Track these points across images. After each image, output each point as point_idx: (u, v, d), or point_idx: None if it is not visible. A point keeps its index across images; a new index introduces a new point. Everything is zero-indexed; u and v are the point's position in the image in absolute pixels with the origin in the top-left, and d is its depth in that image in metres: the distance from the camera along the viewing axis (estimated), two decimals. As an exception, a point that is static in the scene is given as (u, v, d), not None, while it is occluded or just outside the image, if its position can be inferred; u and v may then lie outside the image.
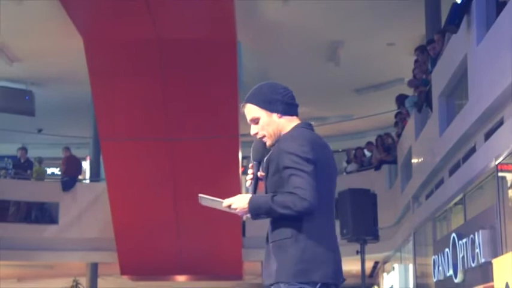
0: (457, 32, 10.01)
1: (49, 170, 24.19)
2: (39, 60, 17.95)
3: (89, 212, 19.07)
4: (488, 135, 9.09)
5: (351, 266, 14.13)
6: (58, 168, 23.27)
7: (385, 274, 18.79)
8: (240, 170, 17.86)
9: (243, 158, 19.23)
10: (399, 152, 15.93)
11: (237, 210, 3.68)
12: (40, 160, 20.82)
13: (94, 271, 19.60)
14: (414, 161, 13.88)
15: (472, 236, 9.12)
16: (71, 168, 19.91)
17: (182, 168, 16.65)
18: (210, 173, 16.32)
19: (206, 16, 14.30)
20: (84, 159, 22.69)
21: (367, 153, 19.31)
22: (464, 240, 9.53)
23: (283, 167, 3.58)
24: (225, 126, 16.34)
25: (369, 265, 19.34)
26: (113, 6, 13.95)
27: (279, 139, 3.71)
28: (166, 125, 16.06)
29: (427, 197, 13.08)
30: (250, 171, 3.79)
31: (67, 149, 20.16)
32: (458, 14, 9.70)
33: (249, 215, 3.71)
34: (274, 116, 3.73)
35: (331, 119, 21.78)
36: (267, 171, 3.74)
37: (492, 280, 8.25)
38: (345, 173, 18.84)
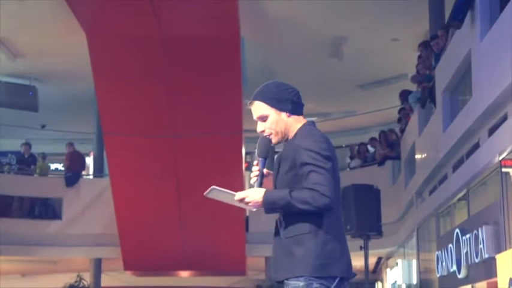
0: (461, 28, 10.00)
1: (52, 166, 24.24)
2: (43, 56, 17.97)
3: (93, 207, 19.10)
4: (492, 131, 9.08)
5: (354, 261, 13.96)
6: (61, 164, 23.30)
7: (388, 270, 18.79)
8: (244, 166, 17.86)
9: (246, 154, 19.23)
10: (403, 147, 15.93)
11: (250, 204, 3.68)
12: (44, 156, 20.85)
13: (97, 267, 19.64)
14: (418, 156, 13.87)
15: (475, 231, 9.11)
16: (75, 164, 19.93)
17: (185, 164, 16.65)
18: (213, 169, 16.32)
19: (209, 12, 14.28)
20: (88, 154, 22.72)
21: (370, 149, 19.30)
22: (467, 236, 9.53)
23: (301, 164, 3.62)
24: (229, 122, 16.34)
25: (372, 261, 19.34)
26: (116, 2, 13.94)
27: (294, 136, 3.75)
28: (169, 121, 16.06)
29: (431, 192, 13.08)
30: (255, 168, 3.80)
31: (70, 144, 20.18)
32: (462, 10, 9.68)
33: (254, 210, 3.73)
34: (283, 114, 3.77)
35: (334, 115, 21.78)
36: (277, 168, 3.78)
37: (496, 276, 8.25)
38: (348, 169, 18.83)
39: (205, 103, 15.91)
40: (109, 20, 14.63)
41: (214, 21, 14.55)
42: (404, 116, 15.85)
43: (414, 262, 14.75)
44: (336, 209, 3.65)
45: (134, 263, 18.87)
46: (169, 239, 17.95)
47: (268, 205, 3.64)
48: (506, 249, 8.16)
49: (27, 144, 20.86)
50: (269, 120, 3.77)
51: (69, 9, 14.06)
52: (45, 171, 20.94)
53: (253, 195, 3.67)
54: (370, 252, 12.25)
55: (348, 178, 13.97)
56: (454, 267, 10.17)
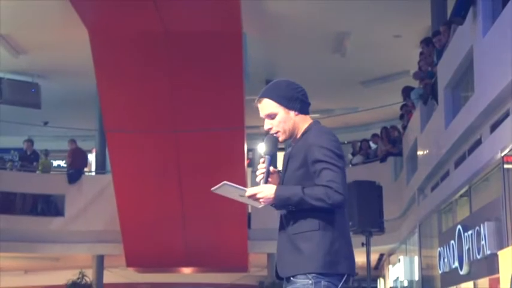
0: (463, 24, 9.98)
1: (55, 163, 24.24)
2: (45, 52, 17.97)
3: (95, 204, 19.11)
4: (494, 127, 9.07)
5: (356, 258, 14.05)
6: (64, 161, 23.33)
7: (390, 266, 18.80)
8: (246, 162, 17.87)
9: (248, 150, 19.23)
10: (405, 144, 15.92)
11: (262, 200, 3.67)
12: (46, 153, 20.86)
13: (100, 263, 19.66)
14: (420, 153, 13.87)
15: (477, 228, 9.11)
16: (77, 161, 19.95)
17: (187, 160, 16.66)
18: (216, 165, 16.32)
19: (212, 8, 14.28)
20: (90, 151, 22.73)
21: (372, 145, 19.30)
22: (469, 232, 9.53)
23: (314, 161, 3.63)
24: (231, 118, 16.33)
25: (374, 257, 19.36)
26: (119, -2, 13.97)
27: (305, 134, 3.75)
28: (171, 117, 16.07)
29: (433, 189, 13.08)
30: (262, 165, 3.78)
31: (73, 141, 20.19)
32: (464, 6, 9.67)
33: (260, 206, 3.73)
34: (292, 113, 3.78)
35: (336, 111, 21.76)
36: (285, 165, 3.78)
37: (498, 272, 8.25)
38: (350, 165, 18.83)
39: (207, 99, 15.92)
40: (111, 17, 14.63)
41: (216, 17, 14.55)
42: (406, 112, 15.84)
43: (416, 259, 14.75)
44: (343, 207, 3.68)
45: (136, 260, 18.90)
46: (171, 235, 17.97)
47: (280, 201, 3.63)
48: (508, 246, 8.16)
49: (30, 141, 20.87)
50: (277, 119, 3.78)
51: (71, 5, 14.06)
52: (48, 168, 20.95)
53: (265, 191, 3.66)
54: (372, 248, 12.24)
55: (350, 174, 13.80)
56: (456, 264, 10.17)
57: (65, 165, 22.21)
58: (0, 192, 18.89)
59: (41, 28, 16.53)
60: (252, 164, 22.49)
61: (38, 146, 21.52)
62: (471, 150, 10.23)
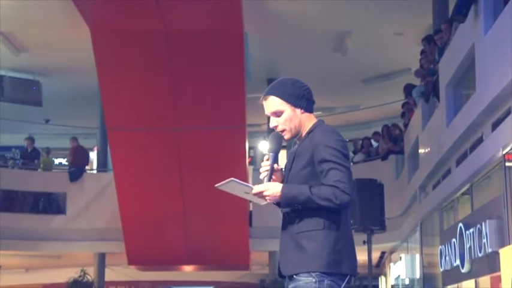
0: (465, 22, 9.98)
1: (56, 161, 24.28)
2: (47, 50, 17.98)
3: (96, 202, 19.12)
4: (495, 125, 9.07)
5: (357, 256, 14.07)
6: (65, 159, 23.34)
7: (391, 264, 18.81)
8: (247, 160, 17.87)
9: (250, 148, 19.23)
10: (406, 142, 15.92)
11: (268, 198, 3.66)
12: (48, 150, 20.88)
13: (101, 261, 19.68)
14: (421, 151, 13.86)
15: (479, 226, 9.11)
16: (78, 159, 19.95)
17: (189, 158, 16.67)
18: (217, 163, 16.33)
19: (213, 7, 14.27)
20: (92, 149, 22.75)
21: (374, 143, 19.30)
22: (471, 230, 9.53)
23: (321, 160, 3.63)
24: (232, 117, 16.34)
25: (375, 255, 19.37)
26: (120, -4, 13.97)
27: (310, 133, 3.74)
28: (173, 115, 16.07)
29: (434, 187, 13.08)
30: (266, 162, 3.77)
31: (74, 139, 20.20)
32: (465, 4, 9.67)
33: (262, 203, 3.73)
34: (298, 111, 3.77)
35: (338, 109, 21.76)
36: (290, 164, 3.77)
37: (499, 270, 8.25)
38: (351, 163, 18.79)
39: (208, 98, 15.93)
40: (113, 15, 14.63)
41: (218, 16, 14.55)
42: (407, 110, 15.83)
43: (417, 257, 14.75)
44: (349, 207, 3.69)
45: (138, 258, 18.91)
46: (172, 233, 17.98)
47: (287, 200, 3.62)
48: (509, 244, 8.16)
49: (30, 139, 20.89)
50: (283, 117, 3.76)
51: (72, 3, 14.06)
52: (49, 166, 20.98)
53: (272, 188, 3.65)
54: (374, 246, 12.25)
55: (351, 173, 13.92)
56: (458, 262, 10.17)
57: (67, 163, 22.22)
58: (2, 190, 18.90)
59: (42, 26, 16.54)
60: (254, 162, 22.51)
61: (40, 144, 21.54)
62: (473, 148, 10.23)
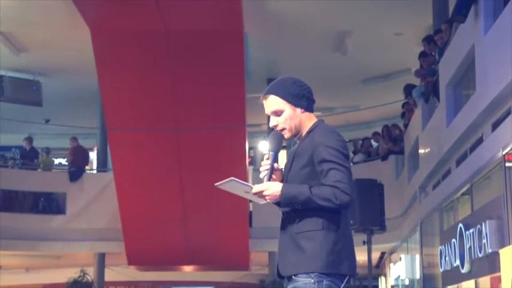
0: (465, 22, 9.97)
1: (56, 161, 24.27)
2: (47, 50, 17.98)
3: (96, 202, 19.13)
4: (495, 126, 9.07)
5: (357, 256, 14.06)
6: (65, 159, 23.34)
7: (391, 265, 18.81)
8: (247, 160, 17.86)
9: (250, 148, 19.22)
10: (406, 142, 15.92)
11: (268, 197, 3.65)
12: (48, 150, 20.88)
13: (101, 261, 19.68)
14: (421, 151, 13.86)
15: (479, 226, 9.11)
16: (78, 159, 19.96)
17: (189, 158, 16.67)
18: (217, 163, 16.33)
19: (213, 7, 14.27)
20: (92, 149, 22.75)
21: (374, 143, 19.30)
22: (471, 231, 9.53)
23: (321, 160, 3.62)
24: (232, 117, 16.34)
25: (375, 255, 19.36)
26: (120, -4, 13.97)
27: (310, 133, 3.73)
28: (173, 115, 16.07)
29: (434, 187, 13.07)
30: (266, 162, 3.76)
31: (74, 139, 20.20)
32: (465, 4, 9.67)
33: (262, 202, 3.72)
34: (298, 110, 3.76)
35: (338, 110, 21.76)
36: (290, 163, 3.76)
37: (499, 270, 8.25)
38: (351, 164, 18.80)
39: (208, 98, 15.92)
40: (113, 15, 14.63)
41: (218, 16, 14.55)
42: (407, 110, 15.83)
43: (417, 257, 14.75)
44: (349, 208, 3.68)
45: (138, 258, 18.90)
46: (172, 233, 17.98)
47: (286, 199, 3.61)
48: (509, 244, 8.15)
49: (29, 139, 20.90)
50: (284, 116, 3.75)
51: (73, 3, 14.07)
52: (49, 166, 20.98)
53: (272, 188, 3.64)
54: (374, 247, 12.25)
55: (351, 173, 13.92)
56: (458, 262, 10.17)
57: (66, 163, 22.22)
58: (2, 190, 18.91)
59: (42, 26, 16.54)
60: (254, 162, 22.50)
61: (39, 144, 21.54)
62: (473, 148, 10.22)
